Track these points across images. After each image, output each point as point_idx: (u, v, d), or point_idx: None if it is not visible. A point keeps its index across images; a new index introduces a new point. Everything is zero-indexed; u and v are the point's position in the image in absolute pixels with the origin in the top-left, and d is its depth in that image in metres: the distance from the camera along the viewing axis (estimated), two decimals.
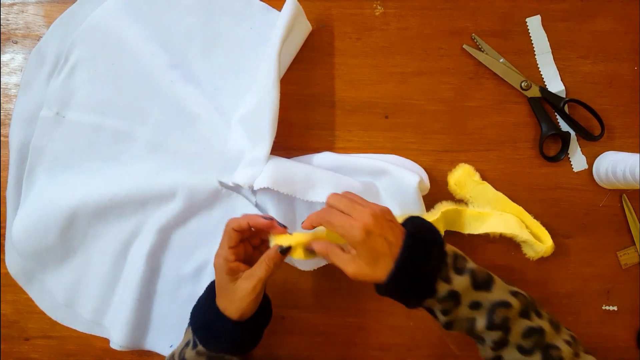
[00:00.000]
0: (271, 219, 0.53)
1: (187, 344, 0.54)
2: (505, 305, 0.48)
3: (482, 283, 0.49)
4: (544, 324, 0.49)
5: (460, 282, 0.48)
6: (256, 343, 0.55)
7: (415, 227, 0.50)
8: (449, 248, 0.50)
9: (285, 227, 0.53)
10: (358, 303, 0.67)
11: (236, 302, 0.51)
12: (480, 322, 0.48)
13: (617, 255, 0.66)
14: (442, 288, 0.47)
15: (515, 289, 0.51)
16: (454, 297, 0.48)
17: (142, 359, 0.68)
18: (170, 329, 0.64)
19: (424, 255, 0.48)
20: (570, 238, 0.66)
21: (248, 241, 0.55)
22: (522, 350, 0.48)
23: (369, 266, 0.47)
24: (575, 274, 0.66)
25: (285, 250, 0.51)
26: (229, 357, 0.53)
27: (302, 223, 0.52)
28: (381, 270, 0.47)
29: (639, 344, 0.65)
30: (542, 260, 0.64)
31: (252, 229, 0.53)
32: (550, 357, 0.48)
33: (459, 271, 0.48)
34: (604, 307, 0.66)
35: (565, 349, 0.48)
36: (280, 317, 0.67)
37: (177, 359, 0.54)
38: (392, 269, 0.47)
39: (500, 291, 0.49)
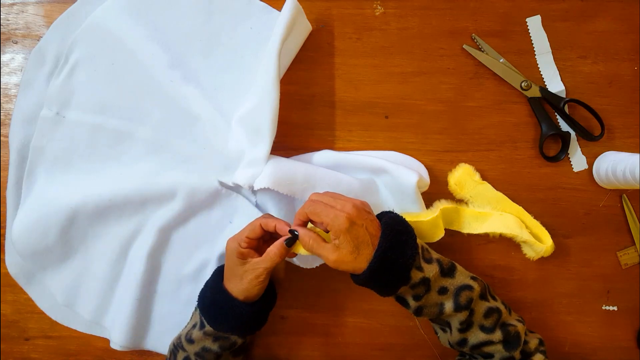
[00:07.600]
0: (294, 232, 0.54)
1: (194, 326, 0.57)
2: (469, 288, 0.53)
3: (447, 270, 0.53)
4: (499, 304, 0.54)
5: (430, 269, 0.52)
6: (261, 325, 0.58)
7: (391, 220, 0.53)
8: (418, 240, 0.53)
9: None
10: (358, 303, 0.67)
11: (243, 284, 0.54)
12: (448, 306, 0.52)
13: (617, 255, 0.66)
14: (416, 276, 0.51)
15: (472, 274, 0.55)
16: (425, 283, 0.52)
17: (142, 358, 0.68)
18: (171, 329, 0.64)
19: (400, 245, 0.51)
20: (570, 238, 0.66)
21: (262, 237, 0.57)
22: (484, 329, 0.53)
23: (351, 255, 0.50)
24: (575, 274, 0.66)
25: (290, 243, 0.53)
26: (235, 337, 0.56)
27: (293, 224, 0.54)
28: (362, 260, 0.50)
29: (639, 344, 0.65)
30: (542, 260, 0.65)
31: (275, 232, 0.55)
32: (509, 332, 0.53)
33: (428, 260, 0.53)
34: (604, 307, 0.66)
35: (520, 326, 0.54)
36: (280, 317, 0.67)
37: (184, 340, 0.57)
38: (372, 258, 0.50)
39: (462, 276, 0.54)
